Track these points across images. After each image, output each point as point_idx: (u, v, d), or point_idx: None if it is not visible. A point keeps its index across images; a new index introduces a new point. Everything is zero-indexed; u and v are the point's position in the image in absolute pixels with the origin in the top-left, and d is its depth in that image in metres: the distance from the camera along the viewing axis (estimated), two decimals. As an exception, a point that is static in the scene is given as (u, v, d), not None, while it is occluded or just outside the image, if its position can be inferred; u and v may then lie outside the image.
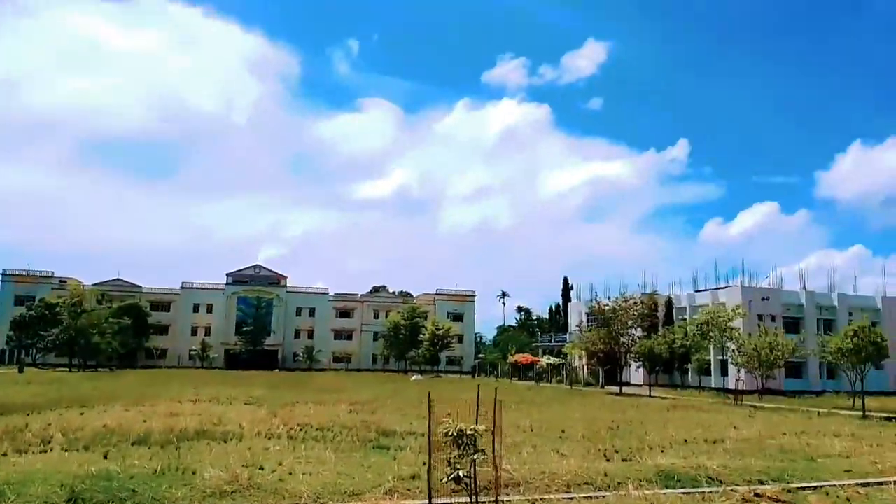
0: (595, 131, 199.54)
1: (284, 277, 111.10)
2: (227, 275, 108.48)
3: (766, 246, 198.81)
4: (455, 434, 8.97)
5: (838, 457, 15.55)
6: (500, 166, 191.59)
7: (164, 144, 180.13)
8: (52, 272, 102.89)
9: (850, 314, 64.04)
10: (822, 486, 12.11)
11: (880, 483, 12.50)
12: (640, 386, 58.50)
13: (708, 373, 62.89)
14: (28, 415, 20.02)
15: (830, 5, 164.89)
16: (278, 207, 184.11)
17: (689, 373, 61.38)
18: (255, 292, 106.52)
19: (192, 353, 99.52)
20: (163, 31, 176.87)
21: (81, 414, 20.70)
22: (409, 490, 10.62)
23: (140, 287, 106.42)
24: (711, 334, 48.65)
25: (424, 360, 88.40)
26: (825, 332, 60.45)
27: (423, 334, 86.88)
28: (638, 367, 57.38)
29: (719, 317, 47.09)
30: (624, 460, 14.30)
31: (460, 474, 8.93)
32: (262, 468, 11.67)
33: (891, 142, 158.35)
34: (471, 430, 9.13)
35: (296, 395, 33.95)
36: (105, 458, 12.41)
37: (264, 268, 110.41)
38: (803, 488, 12.06)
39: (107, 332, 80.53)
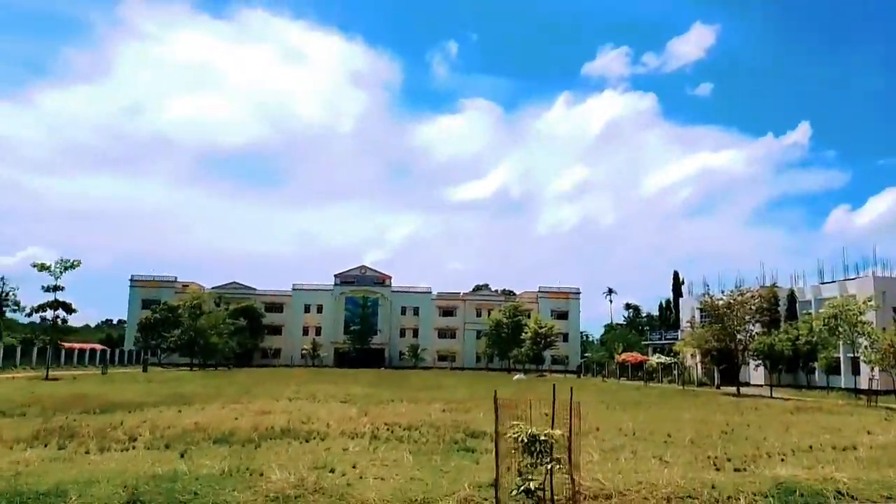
0: (705, 119, 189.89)
1: (389, 277, 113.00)
2: (335, 276, 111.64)
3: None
4: (526, 440, 7.90)
5: None
6: (603, 161, 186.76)
7: (274, 156, 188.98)
8: (175, 277, 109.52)
9: None
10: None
11: None
12: (761, 386, 54.54)
13: (837, 372, 57.71)
14: (129, 412, 20.64)
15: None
16: (381, 212, 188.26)
17: (816, 372, 56.52)
18: (362, 292, 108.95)
19: (304, 352, 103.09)
20: (269, 46, 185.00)
21: (179, 411, 21.17)
22: (484, 500, 9.64)
23: (254, 289, 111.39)
24: (840, 329, 44.32)
25: (528, 358, 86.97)
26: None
27: (526, 332, 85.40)
28: (757, 366, 53.40)
29: (849, 310, 42.79)
30: (737, 470, 12.64)
31: (531, 486, 7.87)
32: (332, 471, 11.10)
33: None
34: (545, 434, 8.01)
35: (393, 392, 33.77)
36: (181, 456, 12.28)
37: (369, 268, 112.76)
38: (958, 508, 10.10)
39: (224, 333, 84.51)
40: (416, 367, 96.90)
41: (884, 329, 44.07)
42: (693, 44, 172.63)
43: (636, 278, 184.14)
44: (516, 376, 70.91)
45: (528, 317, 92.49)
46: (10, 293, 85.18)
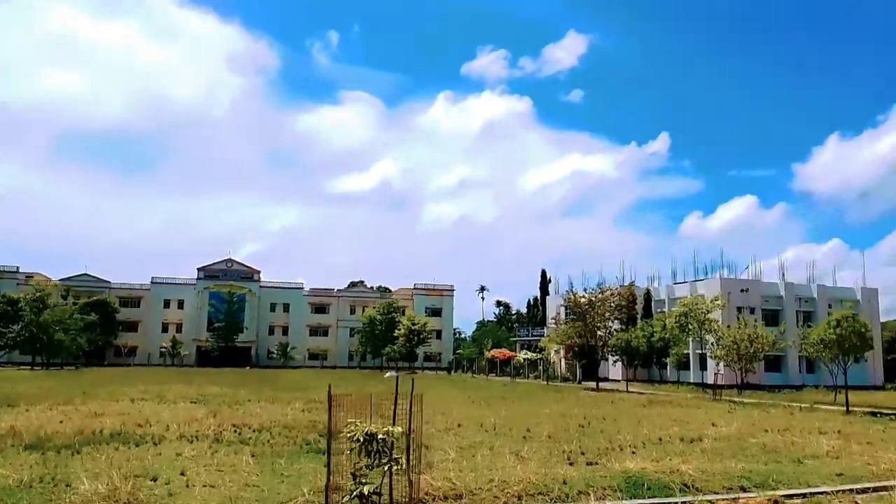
0: (577, 125, 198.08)
1: (258, 272, 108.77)
2: (198, 269, 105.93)
3: (746, 240, 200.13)
4: (363, 439, 7.18)
5: (827, 457, 13.94)
6: (482, 160, 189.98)
7: (141, 139, 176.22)
8: (18, 267, 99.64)
9: (830, 306, 63.18)
10: (813, 494, 10.50)
11: (878, 489, 10.92)
12: (618, 381, 57.22)
13: (687, 367, 61.74)
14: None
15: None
16: (257, 203, 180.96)
17: (668, 367, 60.14)
18: (227, 287, 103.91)
19: (163, 350, 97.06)
20: (138, 22, 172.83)
21: (-5, 415, 18.71)
22: (323, 506, 8.82)
23: (108, 283, 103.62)
24: (690, 326, 47.31)
25: (401, 356, 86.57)
26: (805, 325, 59.64)
27: (399, 329, 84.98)
28: (615, 362, 56.00)
29: (698, 308, 45.77)
30: (589, 464, 12.60)
31: (365, 490, 7.16)
32: (155, 479, 9.86)
33: (867, 135, 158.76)
34: (383, 433, 7.32)
35: (253, 392, 32.06)
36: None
37: (236, 262, 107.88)
38: (791, 496, 10.44)
39: (71, 329, 77.73)
40: (286, 367, 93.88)
41: (728, 327, 47.41)
42: (567, 50, 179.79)
43: (511, 276, 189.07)
44: (387, 374, 69.25)
45: (403, 314, 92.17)
46: None
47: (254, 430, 16.36)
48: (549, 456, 13.35)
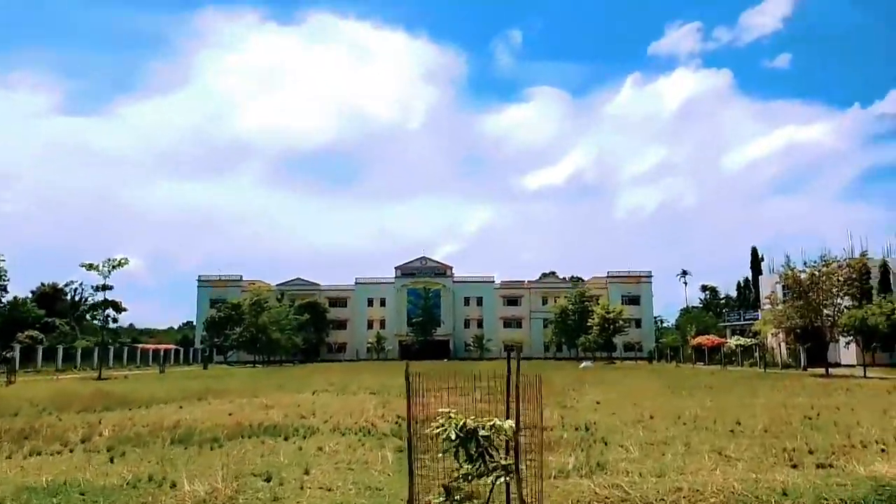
0: (787, 93, 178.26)
1: (450, 267, 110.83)
2: (396, 268, 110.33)
3: None
4: (455, 435, 5.14)
5: None
6: (679, 142, 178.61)
7: (347, 155, 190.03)
8: (241, 276, 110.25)
9: None
10: None
11: None
12: (853, 366, 49.33)
13: (943, 348, 51.69)
14: (130, 409, 18.88)
15: None
16: (455, 205, 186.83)
17: (917, 349, 50.74)
18: (423, 283, 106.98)
19: (369, 345, 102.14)
20: (337, 48, 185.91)
21: (181, 408, 19.25)
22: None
23: (318, 285, 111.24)
24: (946, 300, 39.06)
25: (597, 345, 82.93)
26: None
27: (593, 319, 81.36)
28: (847, 344, 48.15)
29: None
30: (820, 466, 9.44)
31: (460, 510, 5.11)
32: (269, 479, 8.63)
33: None
34: (487, 427, 5.21)
35: (440, 382, 31.29)
36: (111, 461, 10.12)
37: (430, 259, 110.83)
38: None
39: (286, 329, 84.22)
40: (482, 358, 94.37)
41: None
42: (767, 14, 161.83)
43: (717, 262, 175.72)
44: (583, 364, 67.38)
45: (597, 303, 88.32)
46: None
47: (418, 422, 15.01)
48: (763, 455, 10.35)
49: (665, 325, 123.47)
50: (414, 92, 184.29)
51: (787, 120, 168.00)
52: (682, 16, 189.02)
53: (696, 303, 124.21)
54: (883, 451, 10.64)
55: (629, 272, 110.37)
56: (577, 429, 13.75)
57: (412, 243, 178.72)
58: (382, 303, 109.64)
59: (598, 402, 20.66)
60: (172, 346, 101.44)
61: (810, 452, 10.57)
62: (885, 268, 56.93)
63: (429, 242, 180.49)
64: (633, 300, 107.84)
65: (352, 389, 26.34)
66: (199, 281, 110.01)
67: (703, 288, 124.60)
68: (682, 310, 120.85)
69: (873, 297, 53.40)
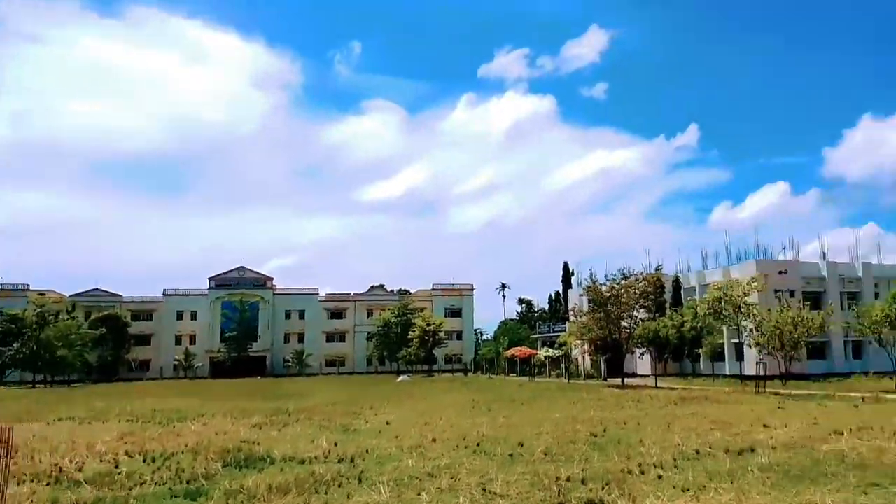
0: (602, 121, 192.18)
1: (270, 279, 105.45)
2: (209, 279, 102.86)
3: (779, 228, 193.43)
4: None
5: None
6: (508, 161, 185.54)
7: (174, 162, 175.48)
8: (28, 285, 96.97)
9: (877, 285, 57.84)
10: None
11: None
12: (647, 376, 52.43)
13: (721, 358, 56.62)
14: None
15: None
16: (289, 217, 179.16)
17: (701, 359, 55.14)
18: (239, 296, 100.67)
19: (176, 362, 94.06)
20: (165, 45, 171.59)
21: None
22: None
23: (120, 296, 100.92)
24: (725, 312, 42.42)
25: (417, 359, 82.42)
26: (849, 307, 54.30)
27: (413, 331, 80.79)
28: (642, 355, 51.16)
29: (733, 291, 40.85)
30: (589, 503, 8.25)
31: None
32: None
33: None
34: None
35: (227, 404, 28.19)
36: None
37: (249, 270, 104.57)
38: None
39: (76, 345, 74.91)
40: (301, 374, 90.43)
41: (769, 310, 42.44)
42: (588, 46, 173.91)
43: (538, 276, 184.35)
44: (400, 378, 66.35)
45: (420, 315, 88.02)
46: None
47: (148, 460, 12.26)
48: (531, 489, 9.01)
49: (485, 337, 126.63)
50: (247, 97, 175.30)
51: (601, 145, 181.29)
52: (510, 41, 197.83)
53: (514, 315, 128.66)
54: (660, 477, 9.76)
55: (453, 285, 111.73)
56: (340, 460, 11.80)
57: (242, 256, 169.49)
58: (194, 316, 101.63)
59: (387, 423, 18.96)
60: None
61: (583, 483, 9.41)
62: (676, 283, 61.55)
63: (260, 256, 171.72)
64: (456, 313, 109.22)
65: (108, 417, 22.53)
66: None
67: (521, 301, 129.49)
68: (501, 322, 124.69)
69: (666, 311, 57.43)
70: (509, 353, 71.18)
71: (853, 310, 48.29)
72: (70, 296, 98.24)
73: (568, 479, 9.62)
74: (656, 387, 39.34)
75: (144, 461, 12.19)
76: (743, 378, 42.90)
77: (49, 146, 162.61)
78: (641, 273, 44.74)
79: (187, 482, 9.96)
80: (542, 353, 65.27)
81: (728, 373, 53.25)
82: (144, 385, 65.12)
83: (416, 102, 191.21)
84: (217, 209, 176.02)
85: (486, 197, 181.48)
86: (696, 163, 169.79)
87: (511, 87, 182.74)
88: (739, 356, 51.97)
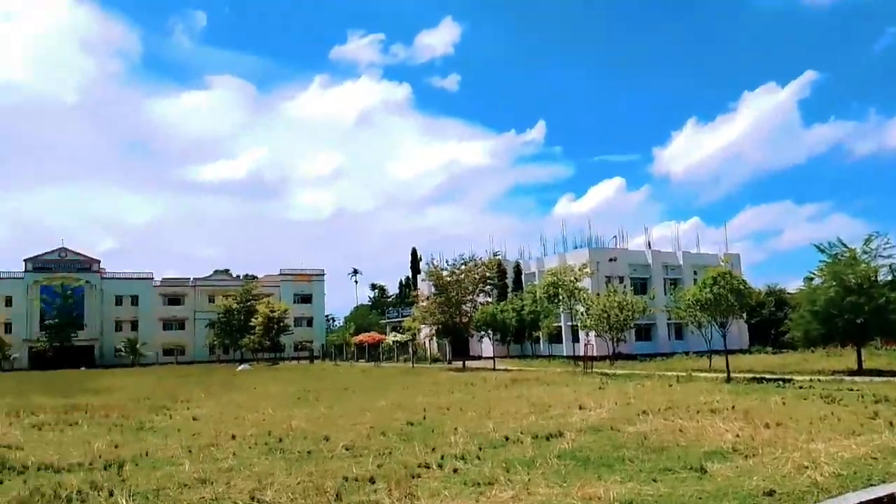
0: (453, 112, 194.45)
1: (97, 261, 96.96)
2: (25, 261, 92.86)
3: (613, 220, 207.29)
4: None
5: (736, 455, 9.50)
6: (357, 147, 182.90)
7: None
8: None
9: (696, 272, 62.72)
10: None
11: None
12: (491, 359, 53.57)
13: (559, 340, 59.15)
14: None
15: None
16: (116, 194, 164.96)
17: (540, 342, 57.20)
18: (60, 279, 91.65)
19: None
20: None
21: None
22: None
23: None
24: (560, 296, 43.98)
25: (261, 346, 79.09)
26: (671, 293, 58.57)
27: (256, 318, 77.38)
28: (481, 338, 52.08)
29: (566, 276, 42.39)
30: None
31: None
32: None
33: (720, 119, 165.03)
34: None
35: (30, 400, 24.93)
36: None
37: (71, 251, 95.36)
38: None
39: None
40: (136, 364, 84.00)
41: (598, 295, 44.47)
42: (441, 38, 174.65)
43: (388, 263, 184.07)
44: (241, 367, 63.22)
45: (265, 301, 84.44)
46: None
47: None
48: (306, 495, 7.98)
49: (337, 323, 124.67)
50: (72, 62, 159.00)
51: (452, 137, 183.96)
52: (363, 25, 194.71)
53: (367, 301, 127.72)
54: (455, 471, 9.08)
55: (302, 271, 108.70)
56: (107, 467, 10.20)
57: (64, 237, 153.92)
58: (8, 302, 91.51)
59: (194, 419, 17.24)
60: None
61: (371, 482, 8.53)
62: (518, 268, 63.40)
63: (85, 238, 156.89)
64: (306, 299, 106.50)
65: None
66: None
67: (373, 287, 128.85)
68: (353, 308, 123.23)
69: (508, 294, 58.92)
70: (358, 338, 70.14)
71: (672, 294, 52.09)
72: None
73: (356, 479, 8.70)
74: (494, 369, 39.96)
75: None
76: (577, 358, 44.76)
77: None
78: (481, 259, 45.33)
79: None
80: (391, 338, 64.84)
81: (565, 354, 55.61)
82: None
83: (264, 80, 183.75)
84: (27, 183, 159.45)
85: (334, 181, 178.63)
86: (542, 157, 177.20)
87: (365, 73, 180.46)
88: (576, 338, 54.37)
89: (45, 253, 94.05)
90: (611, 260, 57.65)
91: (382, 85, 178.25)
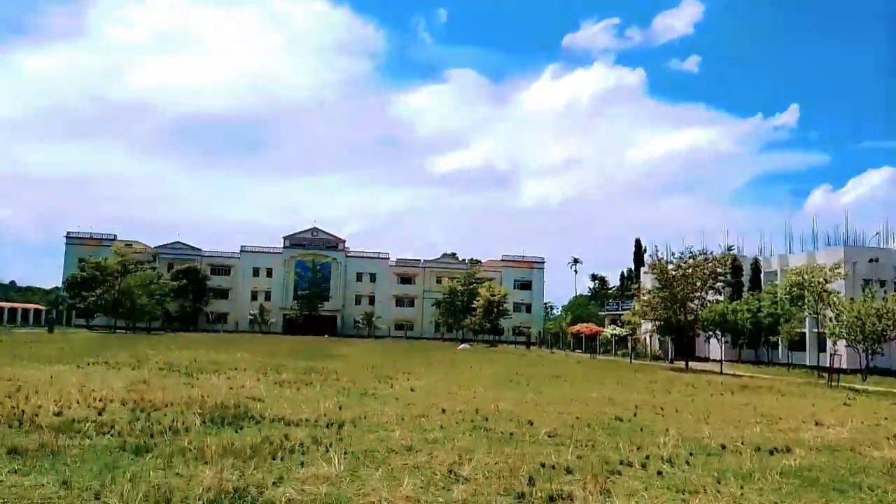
0: (692, 97, 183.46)
1: (342, 241, 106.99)
2: (284, 238, 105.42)
3: (877, 216, 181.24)
4: None
5: None
6: (589, 135, 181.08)
7: (251, 122, 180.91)
8: (115, 235, 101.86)
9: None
10: None
11: None
12: (719, 362, 49.89)
13: (801, 348, 53.06)
14: None
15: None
16: (366, 184, 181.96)
17: (780, 348, 51.83)
18: (312, 255, 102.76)
19: (252, 317, 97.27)
20: (252, 9, 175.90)
21: None
22: None
23: (200, 250, 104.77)
24: (805, 299, 39.36)
25: (480, 328, 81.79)
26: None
27: (478, 301, 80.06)
28: (707, 339, 48.47)
29: (814, 278, 37.76)
30: (552, 500, 7.13)
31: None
32: None
33: None
34: None
35: (279, 361, 28.41)
36: None
37: (321, 230, 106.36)
38: None
39: (156, 294, 78.19)
40: (370, 336, 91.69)
41: (852, 299, 39.13)
42: (681, 18, 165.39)
43: (616, 253, 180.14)
44: (461, 346, 65.98)
45: (486, 285, 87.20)
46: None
47: (136, 410, 11.98)
48: (497, 477, 7.98)
49: (556, 311, 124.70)
50: (330, 63, 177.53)
51: (690, 122, 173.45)
52: (597, 12, 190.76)
53: (587, 291, 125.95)
54: (660, 473, 8.50)
55: (523, 257, 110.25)
56: (329, 425, 11.16)
57: (316, 218, 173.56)
58: (269, 273, 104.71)
59: (412, 390, 18.27)
60: (32, 307, 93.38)
61: (568, 472, 8.31)
62: (756, 265, 57.98)
63: (333, 220, 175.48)
64: (526, 285, 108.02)
65: (116, 364, 22.88)
66: (67, 238, 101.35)
67: (594, 277, 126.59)
68: (572, 298, 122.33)
69: (743, 293, 54.26)
70: (575, 328, 69.42)
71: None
72: (154, 247, 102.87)
73: (553, 467, 8.53)
74: (721, 373, 37.11)
75: (132, 410, 11.88)
76: (822, 369, 39.95)
77: (135, 103, 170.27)
78: (712, 253, 42.11)
79: (151, 436, 9.48)
80: (609, 330, 63.22)
81: (808, 363, 49.89)
82: (217, 336, 67.37)
83: (498, 72, 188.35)
84: (292, 173, 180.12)
85: (566, 170, 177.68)
86: (794, 144, 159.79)
87: (597, 59, 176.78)
88: (822, 347, 48.43)
89: (300, 232, 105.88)
90: (871, 261, 50.40)
91: (615, 71, 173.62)
